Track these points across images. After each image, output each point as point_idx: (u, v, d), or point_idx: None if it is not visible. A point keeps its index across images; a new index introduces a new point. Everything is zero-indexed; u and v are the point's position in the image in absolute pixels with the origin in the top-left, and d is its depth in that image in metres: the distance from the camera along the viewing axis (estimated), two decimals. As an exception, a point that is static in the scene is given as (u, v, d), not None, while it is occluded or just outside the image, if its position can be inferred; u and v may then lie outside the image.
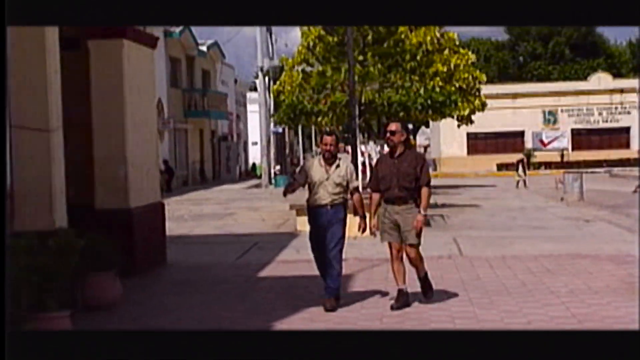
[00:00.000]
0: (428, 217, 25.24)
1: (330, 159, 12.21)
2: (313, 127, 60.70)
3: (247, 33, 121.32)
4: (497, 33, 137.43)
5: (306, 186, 12.50)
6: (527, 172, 47.79)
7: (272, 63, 57.17)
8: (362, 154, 32.81)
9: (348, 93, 26.18)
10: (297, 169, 13.86)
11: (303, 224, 24.13)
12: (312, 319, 11.88)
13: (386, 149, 12.75)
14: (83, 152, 15.41)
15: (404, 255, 12.22)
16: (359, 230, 12.33)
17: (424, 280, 12.47)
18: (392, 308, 11.92)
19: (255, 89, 69.49)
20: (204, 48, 61.75)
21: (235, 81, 75.25)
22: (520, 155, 50.26)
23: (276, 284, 15.10)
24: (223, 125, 68.57)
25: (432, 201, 30.61)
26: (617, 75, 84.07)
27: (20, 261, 9.63)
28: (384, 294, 13.17)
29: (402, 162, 11.81)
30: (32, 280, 9.31)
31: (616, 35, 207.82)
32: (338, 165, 12.17)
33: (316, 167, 12.22)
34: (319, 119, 34.22)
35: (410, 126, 55.92)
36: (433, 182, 12.71)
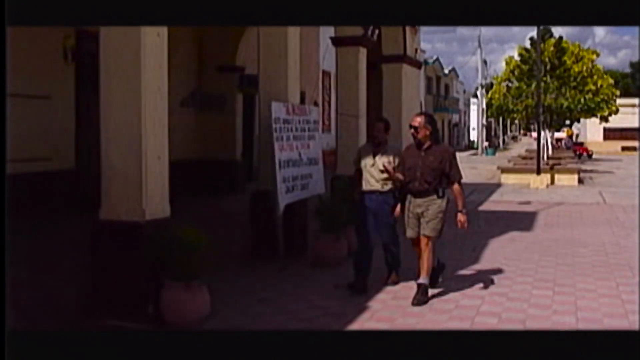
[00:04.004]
0: (581, 177, 23.31)
1: (378, 145, 7.43)
2: (508, 120, 58.84)
3: (471, 64, 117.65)
4: (624, 66, 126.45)
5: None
6: None
7: (485, 81, 56.44)
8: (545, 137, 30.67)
9: (536, 100, 24.91)
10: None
11: (506, 179, 22.73)
12: (512, 238, 10.79)
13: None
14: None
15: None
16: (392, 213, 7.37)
17: (433, 269, 7.14)
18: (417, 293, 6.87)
19: (474, 96, 67.73)
20: (446, 71, 59.95)
21: (464, 91, 73.00)
22: None
23: (491, 214, 13.98)
24: (455, 117, 66.62)
25: (584, 167, 28.66)
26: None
27: (339, 195, 9.06)
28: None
29: (428, 156, 6.89)
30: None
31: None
32: (385, 152, 7.35)
33: (365, 152, 7.54)
34: (516, 115, 33.63)
35: (568, 122, 51.99)
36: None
